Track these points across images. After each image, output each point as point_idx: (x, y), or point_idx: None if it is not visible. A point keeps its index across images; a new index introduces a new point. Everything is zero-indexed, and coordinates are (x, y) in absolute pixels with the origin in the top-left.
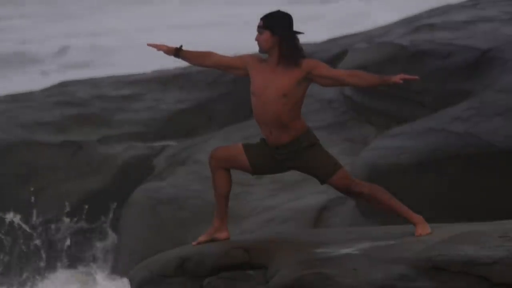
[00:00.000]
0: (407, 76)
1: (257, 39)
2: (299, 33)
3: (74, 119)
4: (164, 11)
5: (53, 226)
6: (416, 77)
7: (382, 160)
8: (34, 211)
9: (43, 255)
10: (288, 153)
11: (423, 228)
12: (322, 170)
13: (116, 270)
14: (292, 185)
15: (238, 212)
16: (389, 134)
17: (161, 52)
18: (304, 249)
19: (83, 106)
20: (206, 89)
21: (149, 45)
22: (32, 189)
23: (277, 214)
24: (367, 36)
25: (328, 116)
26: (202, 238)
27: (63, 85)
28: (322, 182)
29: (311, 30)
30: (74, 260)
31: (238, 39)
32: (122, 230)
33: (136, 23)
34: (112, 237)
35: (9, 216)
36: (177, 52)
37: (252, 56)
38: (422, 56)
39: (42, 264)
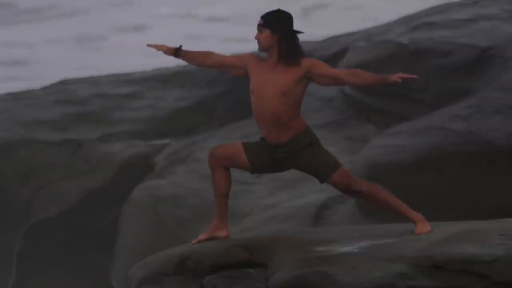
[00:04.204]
0: (406, 75)
1: (257, 37)
2: (299, 32)
3: (74, 118)
4: None
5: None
6: (415, 76)
7: (382, 158)
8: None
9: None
10: (287, 152)
11: (423, 226)
12: (322, 168)
13: (116, 268)
14: (292, 184)
15: (238, 210)
16: (389, 132)
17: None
18: (304, 247)
19: (83, 104)
20: (206, 87)
21: (148, 45)
22: (32, 187)
23: (277, 212)
24: (367, 35)
25: (328, 115)
26: (202, 236)
27: (63, 83)
28: (322, 180)
29: None
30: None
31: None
32: (122, 228)
33: None
34: (111, 235)
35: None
36: (177, 52)
37: (251, 55)
38: (422, 54)
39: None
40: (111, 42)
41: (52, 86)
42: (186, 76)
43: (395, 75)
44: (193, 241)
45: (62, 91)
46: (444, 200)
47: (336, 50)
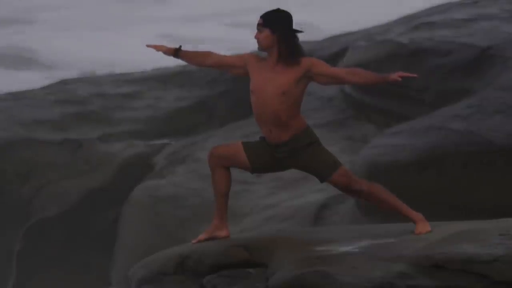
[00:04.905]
0: (405, 74)
1: (256, 37)
2: (299, 31)
3: (74, 117)
4: None
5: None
6: (415, 74)
7: (382, 158)
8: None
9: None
10: (287, 151)
11: (423, 226)
12: (322, 168)
13: (116, 268)
14: (292, 183)
15: (238, 210)
16: (389, 132)
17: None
18: (304, 247)
19: (83, 104)
20: (206, 87)
21: (148, 46)
22: (32, 187)
23: (277, 212)
24: (367, 34)
25: (328, 114)
26: (202, 236)
27: (63, 83)
28: (322, 180)
29: None
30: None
31: None
32: (122, 228)
33: None
34: (111, 235)
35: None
36: (177, 52)
37: (251, 55)
38: (422, 54)
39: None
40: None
41: (52, 85)
42: (186, 76)
43: (395, 73)
44: (193, 241)
45: (62, 91)
46: (444, 200)
47: (336, 50)
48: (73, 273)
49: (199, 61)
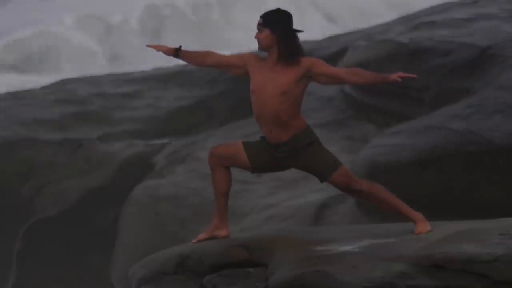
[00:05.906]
0: (405, 75)
1: (256, 37)
2: (299, 31)
3: (74, 117)
4: None
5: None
6: (414, 75)
7: (382, 158)
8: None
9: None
10: (287, 151)
11: (423, 226)
12: (322, 168)
13: (116, 268)
14: (292, 183)
15: (238, 210)
16: (389, 131)
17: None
18: (304, 247)
19: (83, 104)
20: (206, 87)
21: (148, 46)
22: (32, 186)
23: (277, 212)
24: (367, 34)
25: (328, 114)
26: (202, 236)
27: (63, 82)
28: (322, 180)
29: None
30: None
31: None
32: (122, 227)
33: None
34: (111, 234)
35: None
36: (177, 52)
37: (251, 55)
38: (422, 53)
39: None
40: None
41: (52, 85)
42: (186, 76)
43: (395, 74)
44: (193, 241)
45: (62, 91)
46: (444, 200)
47: (336, 50)
48: (73, 273)
49: (199, 61)
